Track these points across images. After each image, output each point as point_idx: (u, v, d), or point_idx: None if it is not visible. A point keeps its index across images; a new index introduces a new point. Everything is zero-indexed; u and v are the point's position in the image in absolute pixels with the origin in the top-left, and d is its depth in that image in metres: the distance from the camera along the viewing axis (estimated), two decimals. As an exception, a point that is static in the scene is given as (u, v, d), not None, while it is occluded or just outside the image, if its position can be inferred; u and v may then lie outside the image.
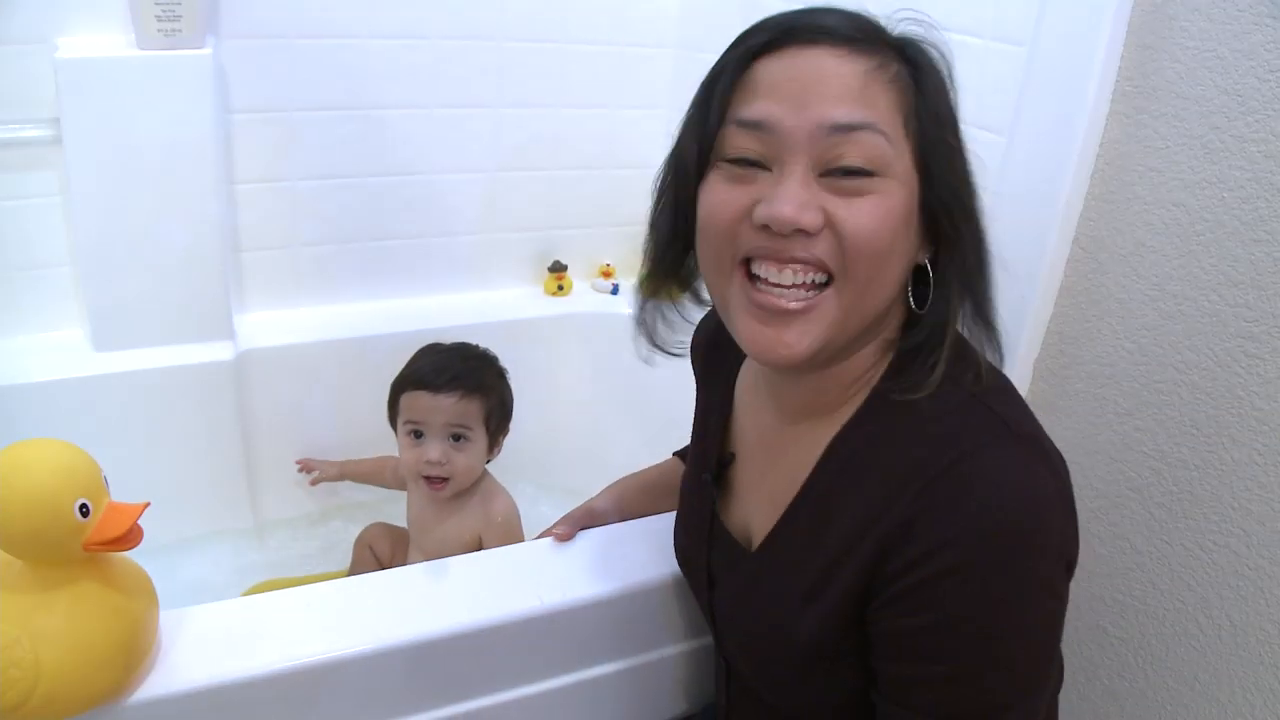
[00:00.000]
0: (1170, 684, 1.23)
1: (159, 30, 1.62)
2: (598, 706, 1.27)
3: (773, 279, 0.81)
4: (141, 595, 1.00)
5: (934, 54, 0.84)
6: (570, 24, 2.00)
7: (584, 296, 2.22)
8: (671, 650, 1.28)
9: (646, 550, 1.25)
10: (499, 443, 1.62)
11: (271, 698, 1.05)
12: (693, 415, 1.16)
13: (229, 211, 1.85)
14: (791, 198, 0.78)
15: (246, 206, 1.89)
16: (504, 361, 1.98)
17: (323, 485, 1.95)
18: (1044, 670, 0.83)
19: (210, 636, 1.06)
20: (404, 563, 1.75)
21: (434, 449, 1.55)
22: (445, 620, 1.12)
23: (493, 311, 2.11)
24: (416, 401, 1.56)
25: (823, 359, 0.85)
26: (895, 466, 0.82)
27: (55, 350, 1.78)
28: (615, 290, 2.21)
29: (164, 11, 1.61)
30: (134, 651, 0.97)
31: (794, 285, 0.81)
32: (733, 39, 0.86)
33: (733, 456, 1.05)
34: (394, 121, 1.94)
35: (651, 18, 2.06)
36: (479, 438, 1.58)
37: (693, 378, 1.18)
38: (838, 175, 0.79)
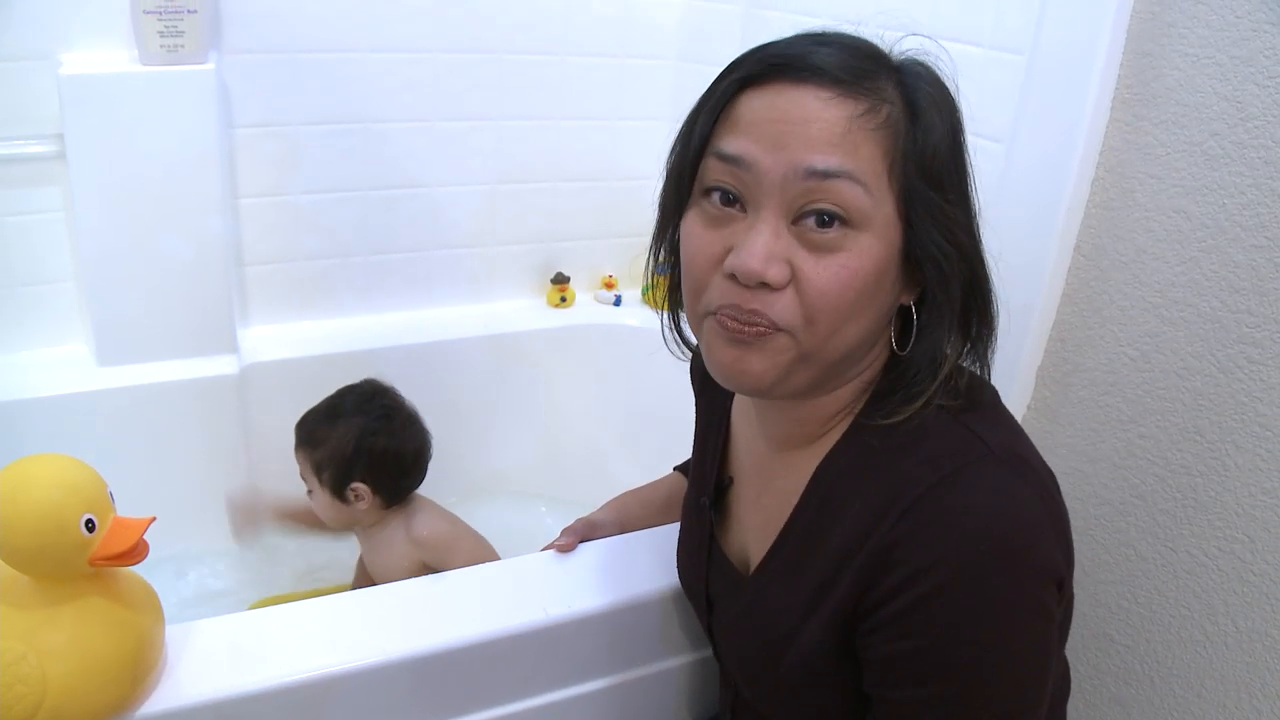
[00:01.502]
0: (1176, 690, 1.23)
1: (162, 46, 1.63)
2: (602, 719, 1.27)
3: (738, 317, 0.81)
4: (147, 610, 1.00)
5: (931, 90, 0.82)
6: (570, 37, 2.01)
7: (587, 308, 2.22)
8: (674, 662, 1.28)
9: (650, 562, 1.25)
10: (356, 492, 1.58)
11: (277, 712, 1.05)
12: (693, 432, 1.17)
13: (232, 226, 1.85)
14: (759, 250, 0.77)
15: (250, 221, 1.89)
16: (507, 374, 1.98)
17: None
18: (1036, 691, 0.82)
19: (216, 651, 1.06)
20: None
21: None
22: (450, 633, 1.12)
23: (495, 324, 2.12)
24: None
25: (794, 390, 0.84)
26: (876, 492, 0.82)
27: (59, 365, 1.78)
28: (618, 301, 2.22)
29: (167, 28, 1.62)
30: (140, 666, 0.97)
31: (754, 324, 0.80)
32: (726, 64, 0.84)
33: (730, 481, 1.05)
34: (396, 135, 1.95)
35: (651, 29, 2.07)
36: (316, 488, 1.61)
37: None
38: (811, 224, 0.77)
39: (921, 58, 0.83)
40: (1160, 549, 1.23)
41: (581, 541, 1.29)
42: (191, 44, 1.65)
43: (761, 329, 0.79)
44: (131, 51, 1.64)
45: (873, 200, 0.77)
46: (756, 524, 0.99)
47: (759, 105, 0.79)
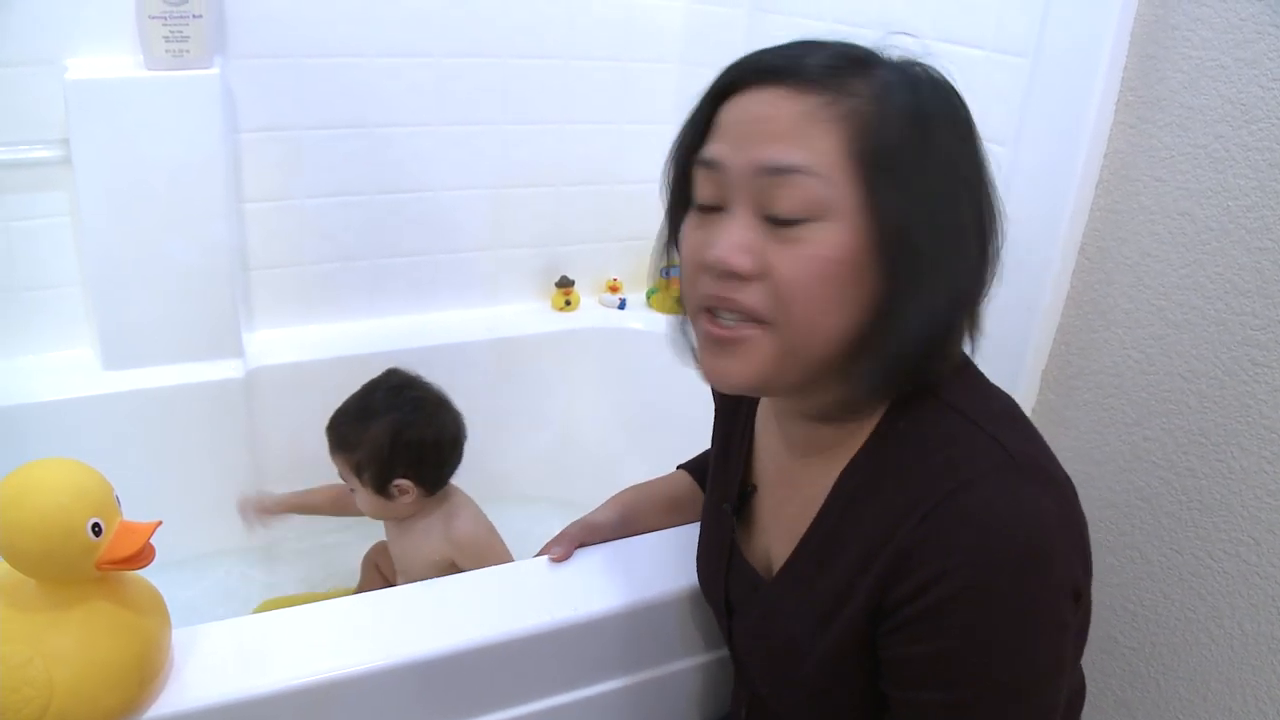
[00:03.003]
0: (1182, 693, 1.23)
1: (167, 51, 1.63)
2: (609, 721, 1.27)
3: (718, 314, 0.83)
4: (154, 613, 1.00)
5: (900, 82, 0.81)
6: (574, 40, 2.02)
7: (591, 311, 2.22)
8: (682, 664, 1.28)
9: (656, 565, 1.25)
10: (400, 488, 1.58)
11: (284, 715, 1.05)
12: (710, 435, 1.16)
13: (237, 230, 1.86)
14: (726, 241, 0.80)
15: (255, 225, 1.90)
16: (512, 377, 1.97)
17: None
18: (1050, 698, 0.82)
19: (222, 654, 1.06)
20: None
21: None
22: (456, 636, 1.12)
23: (500, 327, 2.12)
24: None
25: (786, 387, 0.86)
26: (897, 496, 0.83)
27: (65, 369, 1.79)
28: (623, 305, 2.22)
29: (172, 32, 1.62)
30: (146, 669, 0.97)
31: (733, 321, 0.82)
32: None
33: (754, 488, 1.05)
34: (400, 139, 1.95)
35: (655, 33, 2.07)
36: (359, 486, 1.60)
37: (702, 392, 1.18)
38: (777, 217, 0.79)
39: (916, 57, 0.84)
40: (1165, 551, 1.23)
41: (579, 547, 1.28)
42: (196, 49, 1.65)
43: (739, 326, 0.82)
44: (136, 56, 1.65)
45: (834, 191, 0.78)
46: (780, 530, 0.99)
47: (733, 110, 0.83)
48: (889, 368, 0.83)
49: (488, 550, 1.61)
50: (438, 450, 1.60)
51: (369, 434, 1.57)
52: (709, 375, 0.87)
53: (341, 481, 1.66)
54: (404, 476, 1.58)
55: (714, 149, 0.83)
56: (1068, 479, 0.85)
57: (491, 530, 1.66)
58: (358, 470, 1.58)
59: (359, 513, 1.70)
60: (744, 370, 0.83)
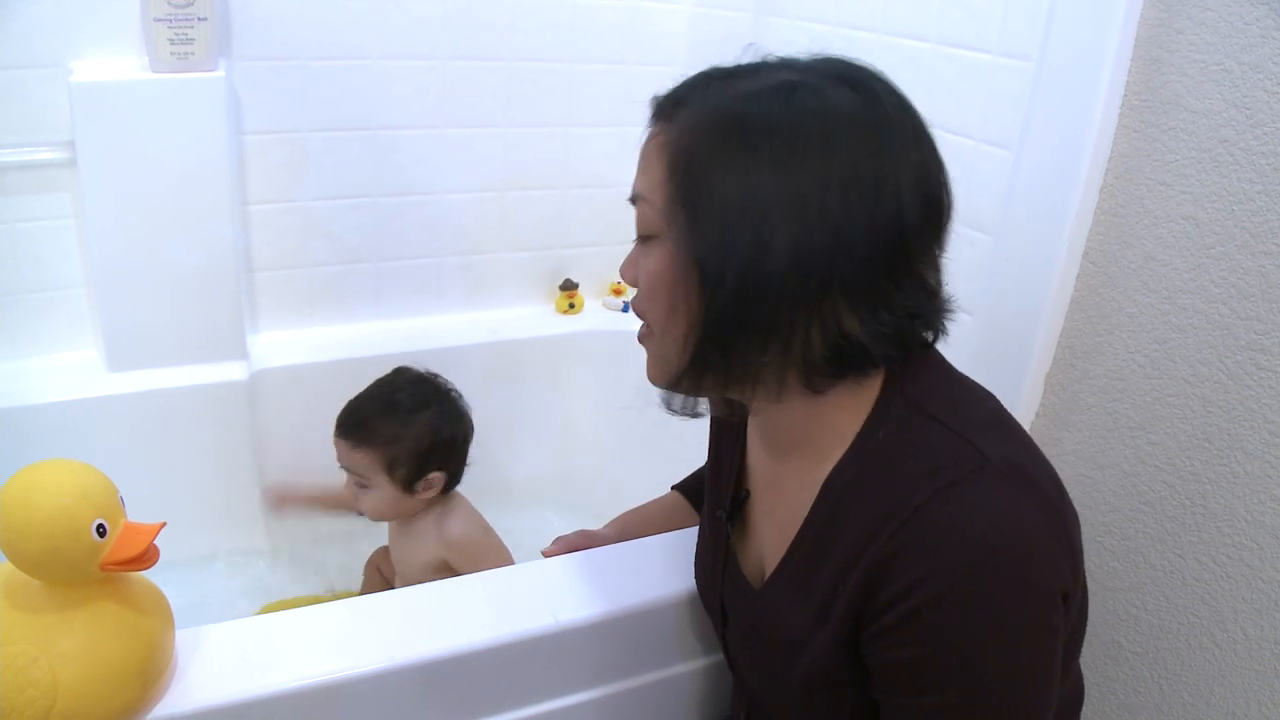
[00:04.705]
0: (1185, 698, 1.23)
1: (172, 53, 1.64)
2: (611, 723, 1.27)
3: None
4: (158, 614, 1.01)
5: (721, 106, 0.82)
6: (578, 43, 2.02)
7: (595, 314, 2.23)
8: (685, 667, 1.28)
9: (659, 568, 1.25)
10: (428, 483, 1.59)
11: (286, 716, 1.05)
12: (707, 443, 1.17)
13: (242, 232, 1.86)
14: (625, 261, 0.91)
15: (259, 227, 1.90)
16: (515, 380, 1.97)
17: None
18: (1039, 703, 0.82)
19: (226, 655, 1.06)
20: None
21: (347, 488, 1.63)
22: (459, 638, 1.12)
23: (504, 330, 2.12)
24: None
25: (691, 389, 0.90)
26: (877, 504, 0.83)
27: (70, 371, 1.79)
28: (626, 308, 2.22)
29: (177, 35, 1.63)
30: (150, 670, 0.97)
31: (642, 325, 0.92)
32: None
33: (747, 494, 1.06)
34: (405, 142, 1.95)
35: (659, 36, 2.08)
36: (380, 484, 1.59)
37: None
38: (640, 240, 0.88)
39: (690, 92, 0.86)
40: (1169, 556, 1.23)
41: (572, 551, 1.29)
42: (201, 51, 1.66)
43: (642, 329, 0.91)
44: (142, 59, 1.65)
45: (659, 213, 0.84)
46: (769, 536, 1.00)
47: None
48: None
49: (482, 549, 1.62)
50: (465, 443, 1.64)
51: (411, 429, 1.57)
52: None
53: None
54: (438, 469, 1.59)
55: None
56: (1051, 478, 0.85)
57: (487, 529, 1.66)
58: (389, 466, 1.57)
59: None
60: (647, 362, 0.91)
